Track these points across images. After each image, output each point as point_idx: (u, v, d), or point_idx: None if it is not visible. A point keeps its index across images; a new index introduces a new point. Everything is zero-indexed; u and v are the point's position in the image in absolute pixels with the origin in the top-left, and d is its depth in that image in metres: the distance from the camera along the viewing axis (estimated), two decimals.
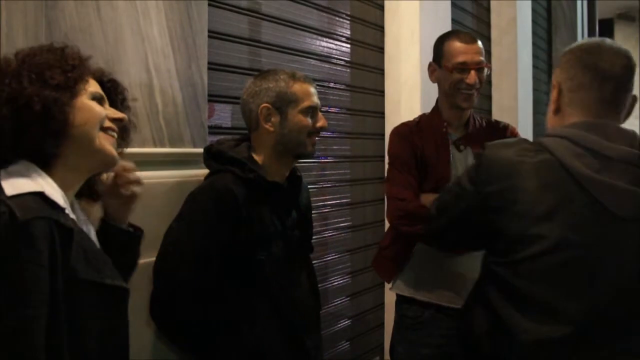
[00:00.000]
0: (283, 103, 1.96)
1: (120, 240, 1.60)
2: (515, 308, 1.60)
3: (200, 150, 2.16)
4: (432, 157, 2.45)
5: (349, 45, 3.52)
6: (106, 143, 1.40)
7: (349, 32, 3.53)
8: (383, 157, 3.78)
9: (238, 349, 1.87)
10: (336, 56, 3.41)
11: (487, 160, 1.69)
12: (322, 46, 3.30)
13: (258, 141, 2.01)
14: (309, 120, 1.99)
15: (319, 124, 2.02)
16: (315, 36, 3.24)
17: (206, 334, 1.88)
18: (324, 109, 3.22)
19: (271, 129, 1.97)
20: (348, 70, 3.53)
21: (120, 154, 1.50)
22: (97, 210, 1.62)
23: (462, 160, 2.47)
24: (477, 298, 1.77)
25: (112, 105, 1.48)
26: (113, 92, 1.52)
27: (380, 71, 3.80)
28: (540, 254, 1.56)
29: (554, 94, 1.70)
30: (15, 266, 1.17)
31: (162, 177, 1.98)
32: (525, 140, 1.72)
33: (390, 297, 3.77)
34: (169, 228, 1.88)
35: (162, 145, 2.00)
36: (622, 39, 11.19)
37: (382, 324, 3.80)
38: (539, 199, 1.56)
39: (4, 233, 1.17)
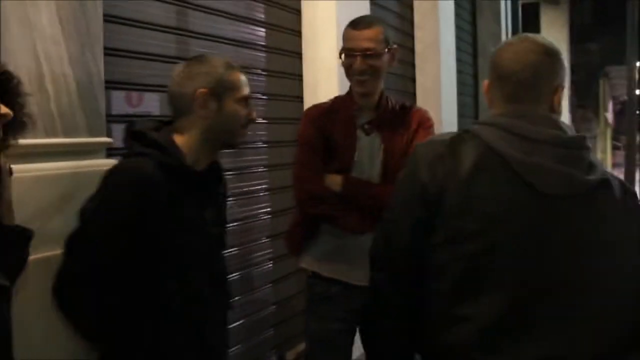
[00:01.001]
0: (221, 90, 1.90)
1: (6, 239, 1.51)
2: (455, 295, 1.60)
3: (98, 139, 2.12)
4: (339, 139, 2.49)
5: (264, 30, 3.49)
6: None
7: (264, 16, 3.49)
8: None
9: (139, 345, 1.83)
10: (252, 41, 3.38)
11: (417, 153, 1.70)
12: (237, 31, 3.25)
13: (186, 126, 1.91)
14: (244, 111, 1.94)
15: (251, 116, 1.98)
16: (229, 21, 3.19)
17: (105, 323, 1.82)
18: None
19: (206, 115, 1.89)
20: (264, 55, 3.49)
21: (9, 147, 1.43)
22: None
23: (368, 144, 2.51)
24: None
25: (4, 99, 1.39)
26: (5, 86, 1.42)
27: (297, 55, 3.78)
28: (481, 244, 1.58)
29: (485, 87, 1.78)
30: None
31: (55, 168, 1.92)
32: (452, 133, 1.75)
33: None
34: (82, 207, 1.80)
35: (55, 136, 1.94)
36: (547, 22, 11.46)
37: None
38: (475, 183, 1.59)
39: None
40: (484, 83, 1.79)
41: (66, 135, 1.98)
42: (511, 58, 1.69)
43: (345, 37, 2.49)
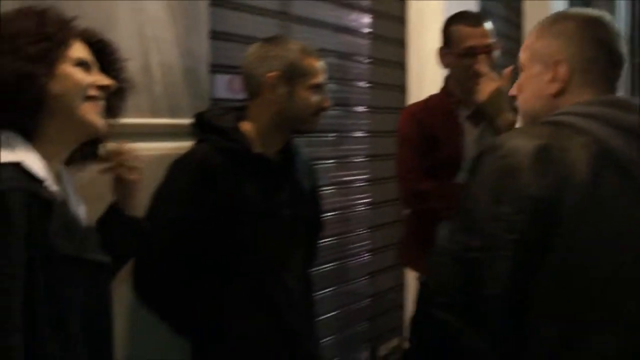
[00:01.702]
0: (293, 75, 1.86)
1: (123, 227, 1.56)
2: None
3: None
4: (442, 133, 2.42)
5: (368, 16, 3.41)
6: (89, 112, 1.34)
7: (368, 3, 3.41)
8: None
9: (220, 329, 1.83)
10: (355, 27, 3.31)
11: (509, 152, 1.32)
12: (340, 17, 3.19)
13: (255, 110, 1.91)
14: (315, 99, 1.89)
15: (323, 104, 1.92)
16: (332, 6, 3.14)
17: (187, 312, 1.84)
18: (342, 81, 3.15)
19: (275, 99, 1.87)
20: (368, 42, 3.42)
21: (112, 124, 1.44)
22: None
23: (478, 136, 2.41)
24: None
25: (103, 68, 1.41)
26: (103, 53, 1.43)
27: (402, 43, 3.68)
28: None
29: (563, 70, 1.42)
30: None
31: (160, 148, 1.93)
32: (537, 126, 1.43)
33: (411, 278, 3.70)
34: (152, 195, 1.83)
35: (160, 116, 1.95)
36: None
37: (402, 304, 3.72)
38: (595, 194, 1.28)
39: None
40: (560, 61, 1.42)
41: (170, 116, 1.98)
42: (616, 36, 1.43)
43: (463, 35, 2.35)
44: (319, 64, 1.92)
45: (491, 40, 2.36)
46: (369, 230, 3.46)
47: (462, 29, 2.36)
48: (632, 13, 7.45)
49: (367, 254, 3.46)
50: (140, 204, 1.65)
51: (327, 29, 3.07)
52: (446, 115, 2.45)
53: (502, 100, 2.27)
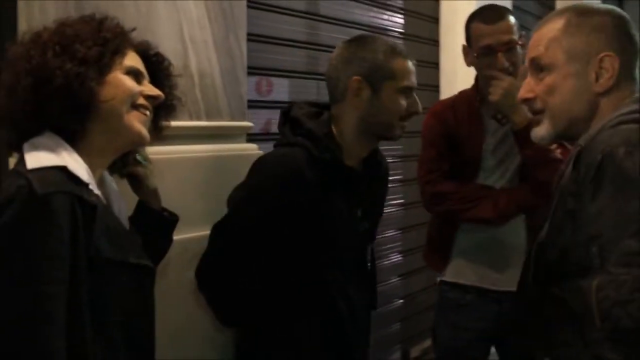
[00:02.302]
0: (378, 77, 1.75)
1: (153, 223, 1.53)
2: None
3: (240, 123, 2.11)
4: (465, 133, 2.36)
5: (401, 16, 3.40)
6: (135, 121, 1.33)
7: (401, 2, 3.40)
8: None
9: (277, 336, 1.79)
10: (388, 27, 3.29)
11: None
12: (373, 17, 3.18)
13: (340, 115, 1.81)
14: (403, 103, 1.78)
15: (413, 109, 1.81)
16: (365, 7, 3.13)
17: (245, 310, 1.80)
18: None
19: (359, 104, 1.77)
20: (400, 42, 3.40)
21: (161, 129, 1.45)
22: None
23: (503, 134, 2.34)
24: None
25: (155, 81, 1.40)
26: (157, 68, 1.44)
27: (435, 42, 3.66)
28: None
29: (612, 65, 1.37)
30: (32, 242, 1.14)
31: (198, 151, 1.92)
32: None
33: None
34: (231, 195, 1.78)
35: (199, 119, 1.94)
36: None
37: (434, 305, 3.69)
38: None
39: (21, 207, 1.14)
40: (610, 55, 1.37)
41: (209, 119, 1.98)
42: (623, 16, 1.41)
43: (479, 34, 2.26)
44: (409, 65, 1.80)
45: (511, 36, 2.24)
46: (400, 231, 3.44)
47: (479, 27, 2.27)
48: None
49: (399, 255, 3.44)
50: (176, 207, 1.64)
51: (359, 28, 3.05)
52: (471, 114, 2.38)
53: (514, 98, 2.20)
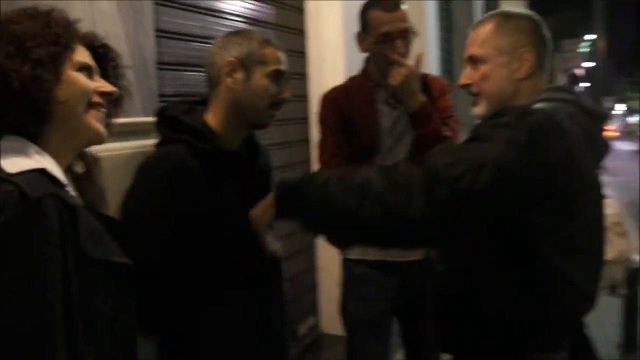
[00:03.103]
0: (251, 61, 1.84)
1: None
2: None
3: (152, 119, 2.08)
4: (360, 117, 2.48)
5: (271, 7, 3.46)
6: (93, 120, 1.31)
7: None
8: (306, 119, 3.79)
9: (196, 332, 1.81)
10: (257, 18, 3.34)
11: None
12: (245, 7, 3.22)
13: (215, 100, 1.87)
14: (273, 88, 1.87)
15: (282, 94, 1.90)
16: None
17: (159, 313, 1.78)
18: None
19: (232, 85, 1.83)
20: (269, 32, 3.47)
21: (109, 127, 1.41)
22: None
23: (396, 118, 2.50)
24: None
25: (104, 74, 1.38)
26: (104, 59, 1.40)
27: (300, 32, 3.76)
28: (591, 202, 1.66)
29: (530, 58, 1.72)
30: (29, 247, 1.11)
31: (113, 149, 1.88)
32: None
33: (323, 259, 3.83)
34: (122, 201, 1.76)
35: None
36: None
37: (315, 285, 3.85)
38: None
39: (15, 212, 1.10)
40: (529, 50, 1.73)
41: (123, 115, 1.93)
42: (538, 21, 1.76)
43: (379, 21, 2.38)
44: (279, 53, 1.90)
45: (407, 24, 2.40)
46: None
47: (378, 15, 2.39)
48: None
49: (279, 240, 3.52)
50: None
51: (229, 19, 3.08)
52: (365, 98, 2.50)
53: (413, 83, 2.38)
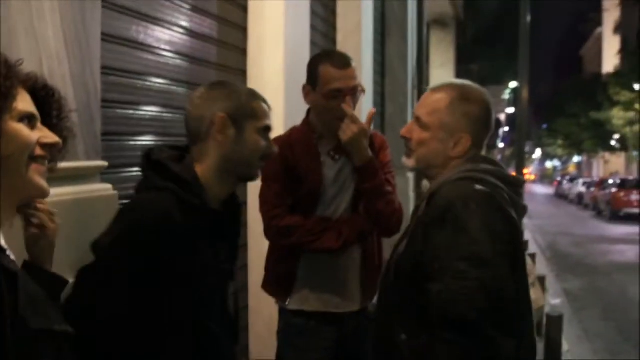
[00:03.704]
0: (242, 117, 1.79)
1: (42, 285, 1.35)
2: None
3: (94, 163, 2.00)
4: (304, 168, 2.50)
5: (213, 46, 3.42)
6: (35, 175, 1.23)
7: (212, 32, 3.42)
8: None
9: None
10: (200, 57, 3.30)
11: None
12: (188, 45, 3.17)
13: (202, 154, 1.80)
14: (263, 143, 1.84)
15: (270, 150, 1.88)
16: (182, 35, 3.11)
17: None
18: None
19: (223, 142, 1.78)
20: (211, 71, 3.43)
21: (52, 171, 1.33)
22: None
23: (337, 170, 2.54)
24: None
25: (46, 118, 1.28)
26: (47, 103, 1.30)
27: (242, 72, 3.74)
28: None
29: (465, 143, 1.91)
30: None
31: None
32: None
33: (254, 301, 3.75)
34: (97, 240, 1.68)
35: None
36: (436, 42, 12.04)
37: (247, 326, 3.76)
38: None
39: None
40: (462, 137, 1.90)
41: (65, 159, 1.84)
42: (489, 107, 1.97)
43: (330, 78, 2.42)
44: (267, 108, 1.87)
45: (356, 82, 2.45)
46: None
47: (330, 71, 2.42)
48: (419, 40, 8.19)
49: None
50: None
51: (182, 60, 3.04)
52: (308, 149, 2.52)
53: (363, 140, 2.42)
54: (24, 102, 1.22)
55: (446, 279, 1.70)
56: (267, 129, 1.87)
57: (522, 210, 1.93)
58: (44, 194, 1.27)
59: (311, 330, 2.53)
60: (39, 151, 1.24)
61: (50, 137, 1.27)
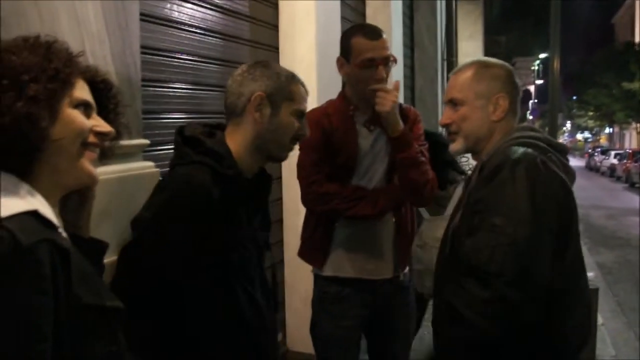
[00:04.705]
0: (279, 97, 1.84)
1: (86, 252, 1.42)
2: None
3: (136, 141, 2.04)
4: (341, 138, 2.54)
5: (245, 22, 3.43)
6: (86, 161, 1.25)
7: (246, 9, 3.43)
8: None
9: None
10: (233, 34, 3.31)
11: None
12: (221, 23, 3.18)
13: (236, 129, 1.86)
14: (297, 124, 1.89)
15: (303, 131, 1.92)
16: (215, 13, 3.12)
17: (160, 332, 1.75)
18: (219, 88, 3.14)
19: (259, 119, 1.83)
20: (244, 48, 3.44)
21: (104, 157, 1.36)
22: None
23: (373, 141, 2.58)
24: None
25: (102, 111, 1.31)
26: (104, 96, 1.34)
27: (274, 48, 3.74)
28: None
29: (504, 103, 1.93)
30: (24, 297, 1.05)
31: (102, 173, 1.80)
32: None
33: (290, 277, 3.79)
34: (137, 216, 1.74)
35: None
36: (463, 15, 11.89)
37: (283, 301, 3.82)
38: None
39: (8, 260, 1.03)
40: (503, 96, 1.93)
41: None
42: (510, 69, 2.01)
43: (362, 48, 2.46)
44: (304, 91, 1.92)
45: (388, 52, 2.49)
46: None
47: (362, 42, 2.47)
48: (448, 13, 8.11)
49: None
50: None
51: (209, 35, 3.05)
52: (345, 120, 2.57)
53: (396, 111, 2.46)
54: (82, 91, 1.26)
55: (480, 232, 1.73)
56: (302, 113, 1.91)
57: (572, 177, 1.92)
58: (94, 181, 1.29)
59: (346, 297, 2.60)
60: (92, 138, 1.26)
61: (104, 127, 1.30)
